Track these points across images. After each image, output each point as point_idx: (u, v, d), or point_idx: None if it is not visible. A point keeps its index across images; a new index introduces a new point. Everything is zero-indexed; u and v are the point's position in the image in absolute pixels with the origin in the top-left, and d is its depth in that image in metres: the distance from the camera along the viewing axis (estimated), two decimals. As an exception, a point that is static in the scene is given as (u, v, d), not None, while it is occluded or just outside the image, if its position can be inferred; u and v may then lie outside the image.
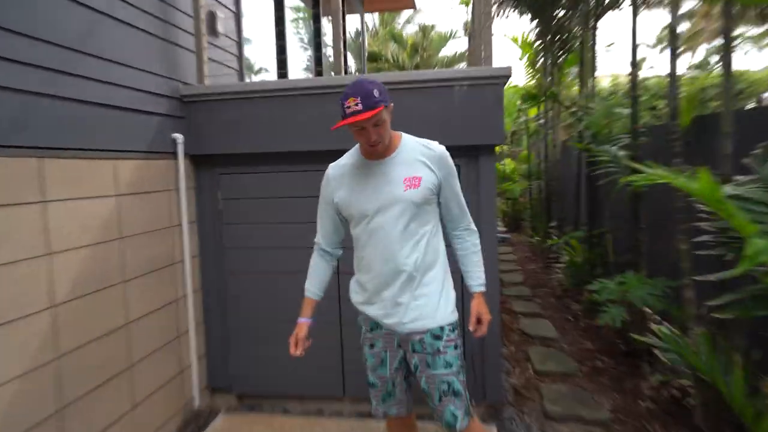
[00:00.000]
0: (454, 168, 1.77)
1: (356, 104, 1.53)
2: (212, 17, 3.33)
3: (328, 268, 1.93)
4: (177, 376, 2.78)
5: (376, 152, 1.68)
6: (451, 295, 1.80)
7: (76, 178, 2.09)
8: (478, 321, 1.79)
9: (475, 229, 1.87)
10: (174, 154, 2.76)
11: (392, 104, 1.68)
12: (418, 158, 1.71)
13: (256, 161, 2.93)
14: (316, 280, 1.92)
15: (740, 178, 2.11)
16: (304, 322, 1.88)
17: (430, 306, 1.72)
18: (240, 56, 3.59)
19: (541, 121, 8.03)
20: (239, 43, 3.58)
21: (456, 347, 1.75)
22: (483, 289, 1.83)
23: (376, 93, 1.55)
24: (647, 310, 3.46)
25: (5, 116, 1.79)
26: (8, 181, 1.79)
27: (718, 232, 2.12)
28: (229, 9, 3.64)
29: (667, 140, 2.90)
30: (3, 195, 1.77)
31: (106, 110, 2.27)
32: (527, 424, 2.76)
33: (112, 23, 2.31)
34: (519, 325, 4.24)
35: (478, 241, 1.87)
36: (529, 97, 4.81)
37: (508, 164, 10.19)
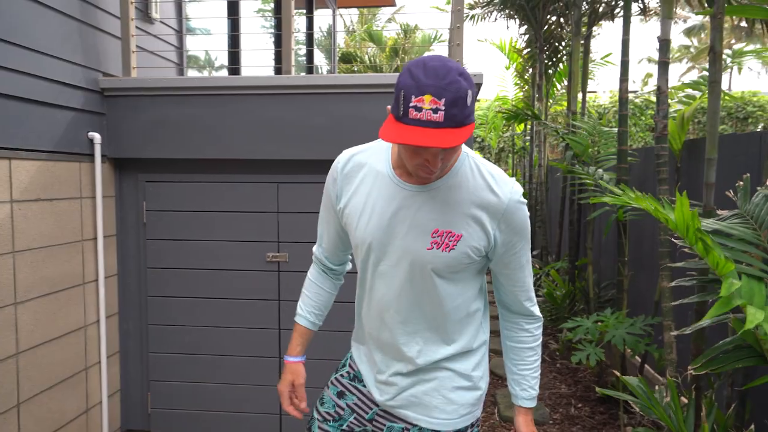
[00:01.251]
0: (528, 227, 1.27)
1: (435, 110, 0.99)
2: (145, 0, 3.26)
3: (332, 288, 1.55)
4: (81, 416, 2.63)
5: (425, 182, 1.21)
6: (476, 394, 1.38)
7: None
8: None
9: (539, 314, 1.41)
10: (90, 156, 2.64)
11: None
12: (474, 202, 1.21)
13: (191, 168, 2.84)
14: (314, 302, 1.52)
15: (724, 212, 2.11)
16: (295, 362, 1.50)
17: (434, 397, 1.34)
18: (181, 48, 3.51)
19: (527, 138, 8.14)
20: (180, 33, 3.50)
21: None
22: (533, 404, 1.39)
23: (469, 98, 1.03)
24: (629, 351, 3.46)
25: None
26: None
27: (698, 271, 2.11)
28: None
29: (657, 165, 2.92)
30: None
31: (6, 102, 2.16)
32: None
33: None
34: (489, 364, 4.18)
35: (540, 333, 1.40)
36: (512, 114, 4.80)
37: (492, 183, 10.28)
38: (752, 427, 1.88)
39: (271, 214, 2.79)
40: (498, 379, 3.92)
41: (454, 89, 1.00)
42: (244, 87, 2.71)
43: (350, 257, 1.55)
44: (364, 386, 1.43)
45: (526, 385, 1.38)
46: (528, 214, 1.26)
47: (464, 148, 1.25)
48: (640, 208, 1.88)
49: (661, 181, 2.87)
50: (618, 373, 2.37)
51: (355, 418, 1.44)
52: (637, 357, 3.59)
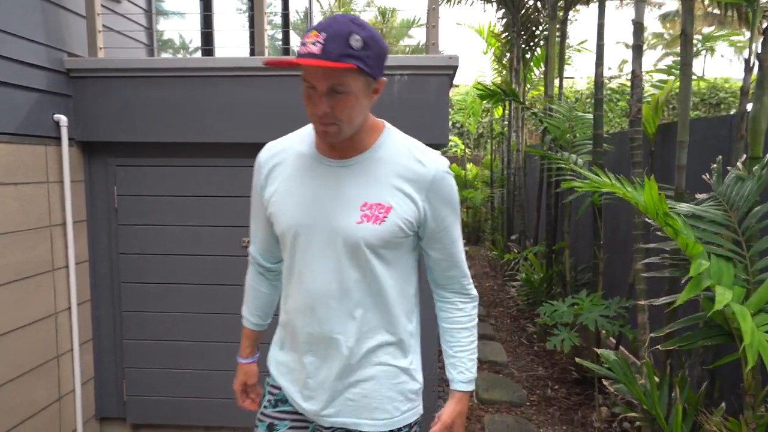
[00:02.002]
0: (457, 198, 1.26)
1: (315, 43, 1.05)
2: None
3: (271, 289, 1.50)
4: (54, 404, 2.60)
5: (327, 139, 1.18)
6: (414, 385, 1.34)
7: None
8: None
9: (474, 293, 1.39)
10: (57, 140, 2.58)
11: (384, 80, 1.18)
12: (399, 174, 1.20)
13: (164, 152, 2.79)
14: (255, 305, 1.50)
15: (702, 195, 2.16)
16: (246, 363, 1.51)
17: (374, 398, 1.27)
18: (150, 28, 3.43)
19: (506, 123, 8.18)
20: (149, 12, 3.42)
21: None
22: (470, 388, 1.35)
23: (355, 41, 1.06)
24: (604, 333, 3.54)
25: None
26: None
27: (669, 252, 2.16)
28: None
29: (631, 149, 2.97)
30: None
31: None
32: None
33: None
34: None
35: (475, 313, 1.38)
36: (488, 94, 4.83)
37: (470, 170, 10.33)
38: (722, 404, 1.95)
39: (246, 198, 2.75)
40: (478, 363, 3.98)
41: (337, 28, 1.05)
42: (218, 69, 2.66)
43: None
44: (291, 405, 1.36)
45: (463, 367, 1.34)
46: (456, 186, 1.26)
47: (387, 124, 1.28)
48: (613, 192, 1.91)
49: (635, 165, 2.93)
50: (597, 350, 2.42)
51: None
52: (611, 339, 3.68)
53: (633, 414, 2.30)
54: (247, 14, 5.62)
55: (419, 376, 1.36)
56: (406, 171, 1.20)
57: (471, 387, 1.34)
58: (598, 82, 3.86)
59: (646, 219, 2.31)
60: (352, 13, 13.07)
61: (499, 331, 4.73)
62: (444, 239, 1.27)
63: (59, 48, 2.60)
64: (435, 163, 1.21)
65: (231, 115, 2.66)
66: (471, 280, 1.38)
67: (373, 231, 1.17)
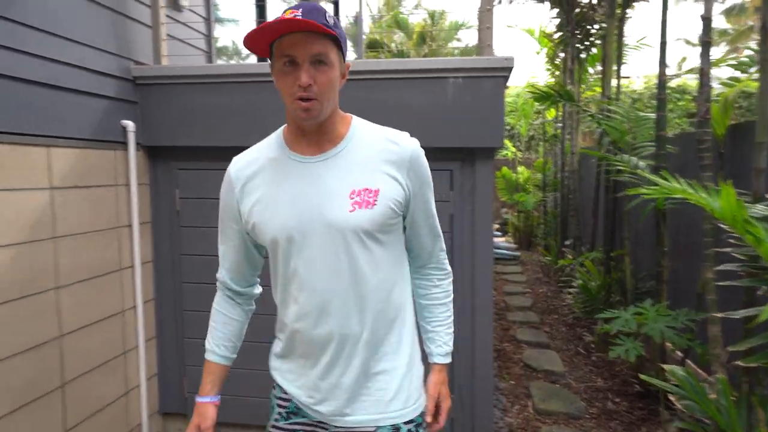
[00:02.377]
0: (429, 174, 1.30)
1: (294, 16, 1.08)
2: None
3: (242, 316, 1.46)
4: (121, 398, 2.72)
5: (310, 116, 1.17)
6: (420, 370, 1.36)
7: (4, 165, 2.04)
8: (436, 408, 1.38)
9: (449, 269, 1.43)
10: (124, 144, 2.70)
11: (349, 64, 1.26)
12: (379, 158, 1.23)
13: (223, 156, 2.84)
14: (223, 334, 1.42)
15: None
16: (204, 403, 1.38)
17: (389, 390, 1.27)
18: (209, 35, 3.54)
19: (559, 125, 7.99)
20: (208, 20, 3.53)
21: None
22: (448, 360, 1.39)
23: (329, 17, 1.14)
24: (669, 346, 3.38)
25: None
26: None
27: (746, 260, 2.04)
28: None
29: (697, 150, 2.84)
30: None
31: (38, 89, 2.21)
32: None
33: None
34: (522, 356, 4.16)
35: (451, 289, 1.42)
36: (542, 95, 4.72)
37: (521, 173, 10.14)
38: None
39: None
40: (533, 372, 3.89)
41: (311, 6, 1.11)
42: None
43: (257, 279, 1.49)
44: (305, 416, 1.34)
45: (441, 341, 1.38)
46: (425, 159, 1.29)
47: (354, 117, 1.31)
48: (685, 198, 1.83)
49: (704, 168, 2.78)
50: (662, 365, 2.31)
51: None
52: (678, 352, 3.52)
53: None
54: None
55: (420, 363, 1.38)
56: (385, 153, 1.23)
57: (448, 359, 1.39)
58: (662, 80, 3.71)
59: (721, 225, 2.19)
60: (400, 15, 13.13)
61: (555, 340, 4.61)
62: (425, 213, 1.31)
63: (126, 57, 2.73)
64: (409, 142, 1.25)
65: (285, 118, 2.70)
66: (446, 254, 1.42)
67: (367, 216, 1.19)
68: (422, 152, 1.27)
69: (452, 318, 1.42)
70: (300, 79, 1.11)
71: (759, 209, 1.88)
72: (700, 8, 2.82)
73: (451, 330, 1.41)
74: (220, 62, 5.13)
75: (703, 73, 2.82)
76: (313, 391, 1.29)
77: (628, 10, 5.53)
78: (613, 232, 4.59)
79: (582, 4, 6.20)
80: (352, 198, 1.19)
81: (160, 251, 2.97)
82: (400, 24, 11.99)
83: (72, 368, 2.40)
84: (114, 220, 2.65)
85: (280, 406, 1.38)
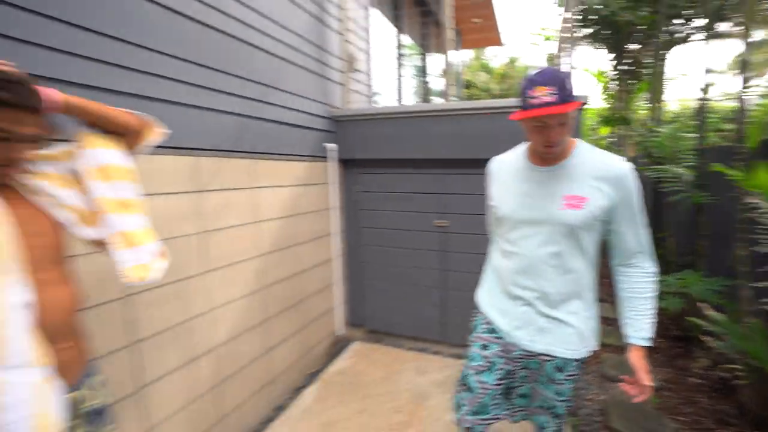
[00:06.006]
0: (635, 189, 1.18)
1: (548, 95, 1.03)
2: (352, 58, 3.64)
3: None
4: (328, 312, 3.09)
5: (551, 155, 1.16)
6: (596, 326, 1.29)
7: (272, 173, 2.38)
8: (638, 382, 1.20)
9: (654, 270, 1.24)
10: (324, 158, 2.99)
11: (580, 102, 1.17)
12: (591, 175, 1.17)
13: (383, 165, 3.16)
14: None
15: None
16: None
17: (573, 334, 1.24)
18: (369, 86, 3.88)
19: (614, 139, 7.52)
20: (369, 76, 3.86)
21: (574, 381, 1.30)
22: (644, 343, 1.21)
23: (569, 85, 1.06)
24: (701, 305, 3.22)
25: (232, 132, 2.05)
26: (234, 173, 2.08)
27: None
28: (363, 51, 3.91)
29: (733, 160, 2.69)
30: (232, 182, 2.06)
31: (288, 128, 2.49)
32: (587, 380, 2.75)
33: (291, 68, 2.52)
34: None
35: (652, 287, 1.23)
36: (605, 120, 4.58)
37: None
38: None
39: (437, 195, 3.01)
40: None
41: (559, 81, 1.05)
42: (416, 111, 2.89)
43: None
44: (500, 337, 1.32)
45: (640, 326, 1.21)
46: (636, 179, 1.19)
47: (579, 141, 1.25)
48: (712, 193, 1.80)
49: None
50: (705, 312, 2.27)
51: (503, 362, 1.32)
52: (710, 311, 3.33)
53: (731, 366, 2.13)
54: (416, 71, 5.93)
55: (595, 323, 1.30)
56: (597, 171, 1.18)
57: (645, 342, 1.22)
58: (703, 106, 3.48)
59: (755, 218, 2.11)
60: (484, 60, 12.84)
61: (610, 296, 4.48)
62: (629, 220, 1.20)
63: (326, 103, 2.99)
64: (619, 164, 1.18)
65: (426, 140, 2.86)
66: (651, 257, 1.24)
67: (573, 215, 1.18)
68: (630, 173, 1.17)
69: (652, 310, 1.23)
70: (549, 139, 1.12)
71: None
72: (725, 44, 2.65)
73: (651, 321, 1.22)
74: (375, 105, 5.48)
75: (741, 102, 2.67)
76: (515, 322, 1.29)
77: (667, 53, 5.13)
78: (656, 220, 4.36)
79: (632, 50, 5.82)
80: (564, 200, 1.18)
81: (348, 225, 3.27)
82: (485, 68, 11.76)
83: (308, 291, 2.76)
84: (324, 205, 3.01)
85: (485, 323, 1.37)
